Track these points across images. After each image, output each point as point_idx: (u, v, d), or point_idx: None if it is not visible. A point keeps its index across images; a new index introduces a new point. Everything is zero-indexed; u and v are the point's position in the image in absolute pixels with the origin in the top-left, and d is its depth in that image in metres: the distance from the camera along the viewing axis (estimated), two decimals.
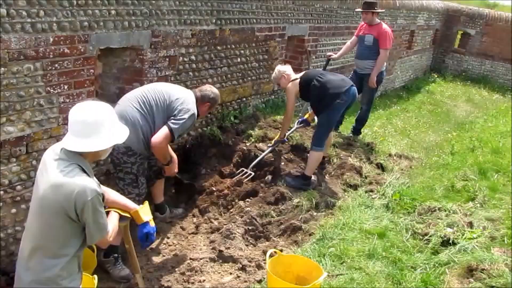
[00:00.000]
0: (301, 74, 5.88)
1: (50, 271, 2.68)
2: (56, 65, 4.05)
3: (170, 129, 4.29)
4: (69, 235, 2.69)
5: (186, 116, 4.35)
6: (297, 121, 6.43)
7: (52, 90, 4.08)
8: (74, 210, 2.59)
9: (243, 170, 5.85)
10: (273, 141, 6.12)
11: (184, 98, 4.45)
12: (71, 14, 4.04)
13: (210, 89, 4.80)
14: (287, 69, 5.98)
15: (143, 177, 4.52)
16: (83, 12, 4.14)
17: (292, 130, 6.34)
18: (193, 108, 4.45)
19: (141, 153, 4.40)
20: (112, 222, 2.99)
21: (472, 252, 4.33)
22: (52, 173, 2.62)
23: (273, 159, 6.01)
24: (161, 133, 4.31)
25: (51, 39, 3.92)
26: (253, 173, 5.81)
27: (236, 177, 5.73)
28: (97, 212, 2.67)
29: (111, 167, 4.74)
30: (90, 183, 2.63)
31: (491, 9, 18.86)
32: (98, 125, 2.69)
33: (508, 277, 3.81)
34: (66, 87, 4.20)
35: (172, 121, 4.33)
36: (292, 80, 5.79)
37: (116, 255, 4.43)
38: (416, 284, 4.00)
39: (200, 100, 4.67)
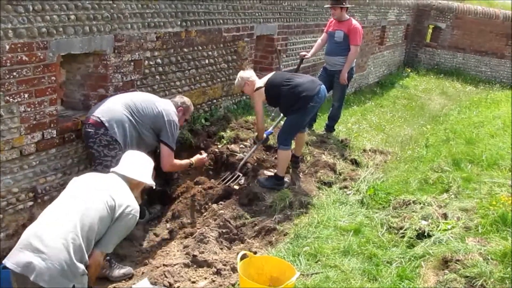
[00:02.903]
0: (266, 80, 5.63)
1: None
2: (15, 73, 3.92)
3: (167, 145, 4.73)
4: None
5: (173, 126, 4.83)
6: (274, 111, 6.30)
7: (11, 100, 3.96)
8: None
9: (234, 175, 5.71)
10: (251, 142, 6.04)
11: (166, 110, 4.83)
12: (28, 20, 3.92)
13: (179, 97, 5.25)
14: (250, 75, 5.73)
15: None
16: (40, 18, 4.03)
17: (276, 122, 6.29)
18: (176, 119, 4.93)
19: (122, 150, 4.43)
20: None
21: (447, 243, 4.30)
22: None
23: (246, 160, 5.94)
24: (164, 156, 4.84)
25: (7, 47, 3.80)
26: (241, 174, 5.72)
27: (226, 181, 5.62)
28: None
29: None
30: None
31: (460, 2, 19.06)
32: None
33: (482, 266, 3.79)
34: (26, 95, 4.08)
35: (164, 136, 4.78)
36: (257, 89, 5.55)
37: (108, 257, 4.32)
38: (392, 279, 3.95)
39: None
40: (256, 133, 6.05)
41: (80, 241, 2.96)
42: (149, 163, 3.73)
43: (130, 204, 3.30)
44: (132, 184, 3.47)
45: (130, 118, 4.61)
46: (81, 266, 2.96)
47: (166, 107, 4.89)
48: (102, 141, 4.41)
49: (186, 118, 5.36)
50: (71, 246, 2.90)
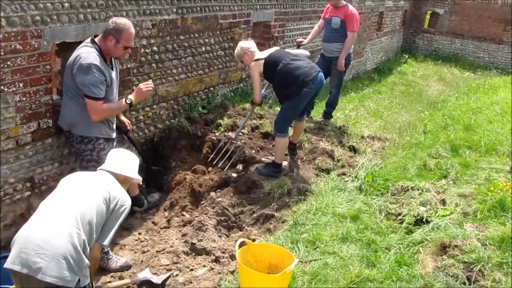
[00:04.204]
0: (266, 54, 5.53)
1: None
2: (9, 63, 3.90)
3: (86, 96, 4.15)
4: None
5: (83, 71, 4.08)
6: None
7: (6, 89, 3.94)
8: None
9: (229, 140, 5.74)
10: (249, 105, 5.95)
11: (74, 58, 4.16)
12: (21, 9, 3.89)
13: (111, 21, 4.26)
14: (250, 45, 5.63)
15: None
16: (34, 6, 3.99)
17: (268, 84, 6.16)
18: (86, 61, 4.10)
19: (98, 137, 4.39)
20: None
21: (445, 229, 4.30)
22: None
23: (244, 148, 5.92)
24: (90, 109, 4.21)
25: (1, 36, 3.77)
26: (239, 143, 5.71)
27: (225, 147, 5.67)
28: None
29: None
30: None
31: None
32: None
33: (480, 251, 3.79)
34: (21, 85, 4.06)
35: (83, 88, 4.13)
36: (256, 60, 5.47)
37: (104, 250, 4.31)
38: (391, 265, 3.95)
39: (102, 39, 4.29)
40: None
41: (83, 235, 2.99)
42: (135, 159, 3.82)
43: (123, 197, 3.39)
44: (120, 179, 3.57)
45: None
46: (86, 259, 3.00)
47: (80, 54, 4.13)
48: (76, 138, 4.40)
49: (126, 45, 4.32)
50: (76, 241, 2.93)
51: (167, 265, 4.36)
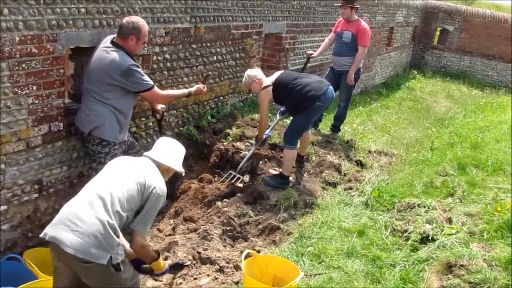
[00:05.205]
0: (273, 79, 5.63)
1: None
2: (24, 65, 3.93)
3: (143, 91, 4.46)
4: None
5: (132, 73, 4.33)
6: (278, 112, 6.30)
7: (19, 91, 3.96)
8: None
9: (231, 174, 5.72)
10: (253, 142, 6.02)
11: (116, 63, 4.28)
12: (38, 13, 3.92)
13: (126, 21, 4.39)
14: (257, 73, 5.73)
15: None
16: (51, 11, 4.03)
17: (275, 122, 6.22)
18: (128, 63, 4.34)
19: (115, 142, 4.48)
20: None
21: (451, 248, 4.30)
22: None
23: (251, 158, 5.93)
24: (148, 98, 4.78)
25: (17, 38, 3.80)
26: (242, 177, 5.70)
27: (226, 181, 5.62)
28: None
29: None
30: None
31: (468, 5, 18.99)
32: None
33: (486, 272, 3.78)
34: (34, 88, 4.08)
35: (136, 86, 4.40)
36: (265, 87, 5.56)
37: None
38: (395, 282, 3.95)
39: (122, 40, 4.38)
40: (257, 133, 6.03)
41: (113, 216, 3.13)
42: (182, 150, 3.80)
43: (159, 185, 3.40)
44: (162, 169, 3.57)
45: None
46: (116, 239, 3.12)
47: (115, 59, 4.28)
48: (95, 140, 4.43)
49: (145, 41, 4.55)
50: (105, 222, 3.06)
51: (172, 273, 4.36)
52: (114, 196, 3.18)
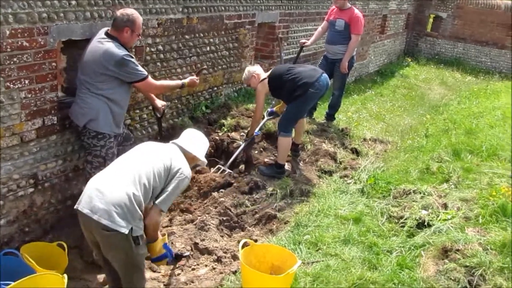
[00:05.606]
0: (268, 73, 5.75)
1: None
2: (15, 59, 3.90)
3: (137, 81, 4.43)
4: None
5: (126, 63, 4.29)
6: (266, 112, 6.32)
7: (12, 86, 3.93)
8: None
9: (220, 168, 5.76)
10: (243, 140, 6.05)
11: (109, 53, 4.25)
12: (28, 5, 3.89)
13: (120, 13, 4.35)
14: (257, 69, 5.86)
15: (111, 162, 4.43)
16: (41, 3, 3.99)
17: (262, 122, 6.25)
18: (121, 52, 4.28)
19: (111, 135, 4.47)
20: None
21: (446, 233, 4.32)
22: None
23: (246, 148, 5.94)
24: (143, 88, 4.69)
25: (8, 32, 3.77)
26: (231, 171, 5.73)
27: (215, 174, 5.64)
28: None
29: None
30: None
31: None
32: None
33: (481, 256, 3.81)
34: (27, 81, 4.05)
35: (130, 76, 4.38)
36: (261, 80, 5.66)
37: None
38: (392, 268, 3.97)
39: (117, 32, 4.34)
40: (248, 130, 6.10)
41: (139, 190, 3.31)
42: (206, 142, 4.05)
43: (184, 168, 3.59)
44: (187, 157, 3.75)
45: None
46: (139, 211, 3.30)
47: (109, 50, 4.24)
48: (90, 133, 4.41)
49: (139, 33, 4.50)
50: (131, 193, 3.25)
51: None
52: (142, 170, 3.38)
